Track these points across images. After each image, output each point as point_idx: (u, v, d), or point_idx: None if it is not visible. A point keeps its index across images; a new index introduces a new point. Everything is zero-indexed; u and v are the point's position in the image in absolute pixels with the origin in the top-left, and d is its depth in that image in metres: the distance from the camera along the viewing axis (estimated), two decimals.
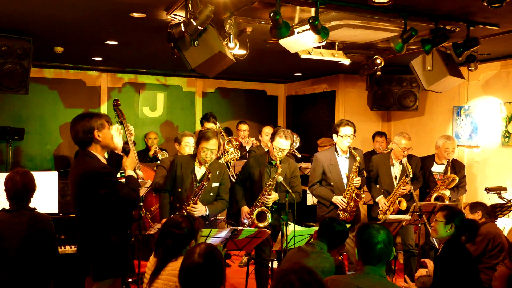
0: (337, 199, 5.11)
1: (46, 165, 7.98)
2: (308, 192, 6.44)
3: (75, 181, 3.36)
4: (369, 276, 2.64)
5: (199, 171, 4.46)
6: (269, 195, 4.71)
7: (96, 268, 3.29)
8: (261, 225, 4.65)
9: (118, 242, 3.36)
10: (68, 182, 3.48)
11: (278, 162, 4.71)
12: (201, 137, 4.41)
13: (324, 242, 3.37)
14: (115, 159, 3.63)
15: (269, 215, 4.68)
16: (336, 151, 5.23)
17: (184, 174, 4.43)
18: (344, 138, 5.11)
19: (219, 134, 6.77)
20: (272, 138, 4.84)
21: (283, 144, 4.75)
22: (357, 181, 5.07)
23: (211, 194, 4.46)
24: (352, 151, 5.11)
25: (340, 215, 5.10)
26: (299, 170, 5.54)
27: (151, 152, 7.47)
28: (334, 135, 5.23)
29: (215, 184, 4.48)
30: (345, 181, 5.16)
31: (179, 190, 4.41)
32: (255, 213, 4.72)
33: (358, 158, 5.05)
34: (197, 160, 4.48)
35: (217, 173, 4.49)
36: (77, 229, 3.43)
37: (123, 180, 3.53)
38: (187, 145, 5.35)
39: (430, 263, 3.85)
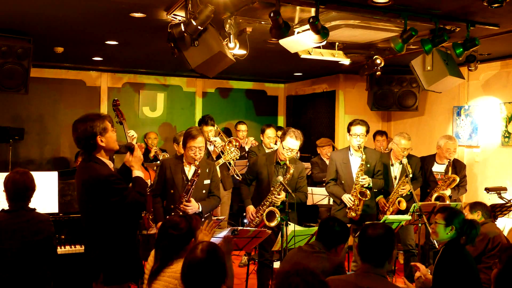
0: (345, 197, 5.15)
1: (46, 165, 7.98)
2: (308, 192, 6.45)
3: (82, 187, 3.29)
4: (370, 275, 2.65)
5: (189, 171, 4.45)
6: (279, 194, 4.72)
7: (107, 273, 3.25)
8: (272, 224, 4.66)
9: (128, 246, 3.34)
10: (75, 185, 3.42)
11: (288, 163, 4.73)
12: (187, 136, 4.38)
13: (323, 242, 3.37)
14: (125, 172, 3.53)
15: (278, 215, 4.70)
16: (350, 150, 5.28)
17: (174, 175, 4.40)
18: (354, 136, 5.15)
19: (217, 135, 6.81)
20: (282, 138, 4.85)
21: (293, 144, 4.76)
22: (363, 179, 5.07)
23: (203, 191, 4.45)
24: (361, 151, 5.11)
25: (348, 213, 5.12)
26: None
27: (151, 154, 7.48)
28: (347, 134, 5.30)
29: (206, 181, 4.48)
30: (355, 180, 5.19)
31: (172, 191, 4.39)
32: (265, 213, 4.72)
33: (363, 157, 5.06)
34: (185, 160, 4.47)
35: (207, 170, 4.48)
36: (85, 233, 3.39)
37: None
38: None
39: (422, 266, 3.83)
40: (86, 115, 3.34)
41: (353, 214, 5.10)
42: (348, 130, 5.25)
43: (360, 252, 2.74)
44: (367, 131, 5.21)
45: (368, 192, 5.09)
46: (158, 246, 2.92)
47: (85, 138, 3.23)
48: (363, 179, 5.08)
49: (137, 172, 3.40)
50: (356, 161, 5.22)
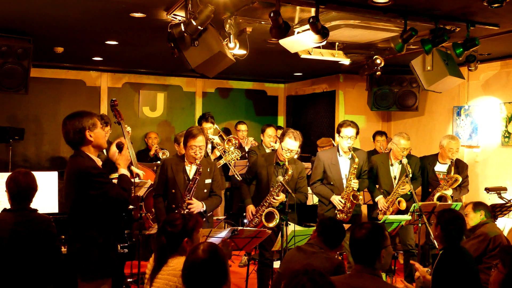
0: (335, 199, 5.11)
1: (45, 165, 7.98)
2: (309, 192, 6.45)
3: (66, 180, 3.36)
4: (363, 275, 2.65)
5: (191, 170, 4.45)
6: (277, 196, 4.70)
7: (83, 268, 3.27)
8: (270, 225, 4.66)
9: (104, 243, 3.33)
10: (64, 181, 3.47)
11: (286, 164, 4.72)
12: (187, 136, 4.38)
13: (324, 242, 3.36)
14: (109, 165, 3.60)
15: (277, 216, 4.69)
16: (338, 151, 5.24)
17: (176, 175, 4.41)
18: (344, 139, 5.11)
19: (217, 134, 6.82)
20: (281, 139, 4.84)
21: (292, 144, 4.75)
22: (354, 182, 5.05)
23: (205, 191, 4.46)
24: (352, 153, 5.09)
25: (338, 215, 5.10)
26: None
27: (152, 152, 7.49)
28: (336, 135, 5.27)
29: (208, 181, 4.48)
30: (344, 181, 5.15)
31: (173, 191, 4.39)
32: (263, 214, 4.72)
33: (356, 160, 5.05)
34: (186, 160, 4.46)
35: (208, 170, 4.48)
36: (67, 227, 3.42)
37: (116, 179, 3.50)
38: None
39: (420, 267, 3.83)
40: (74, 112, 3.39)
41: (344, 216, 5.09)
42: (338, 132, 5.20)
43: (351, 253, 2.76)
44: (357, 133, 5.19)
45: (360, 196, 5.08)
46: (156, 244, 2.94)
47: (73, 131, 3.27)
48: (355, 183, 5.06)
49: (123, 170, 3.46)
50: (345, 162, 5.20)
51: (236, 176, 6.45)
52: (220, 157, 6.24)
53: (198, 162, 4.32)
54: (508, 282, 2.53)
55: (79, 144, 3.31)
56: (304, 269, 1.94)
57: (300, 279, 1.89)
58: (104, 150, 5.42)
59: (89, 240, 3.28)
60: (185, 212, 4.22)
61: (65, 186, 3.39)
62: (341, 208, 5.09)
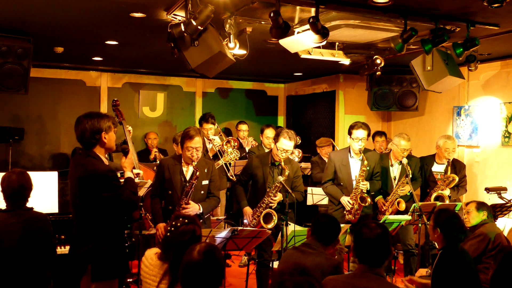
0: (344, 200, 5.14)
1: (45, 165, 7.98)
2: (308, 192, 6.45)
3: (77, 181, 3.31)
4: (367, 275, 2.64)
5: (187, 171, 4.42)
6: (275, 196, 4.70)
7: (95, 268, 3.28)
8: (269, 226, 4.64)
9: (117, 243, 3.37)
10: (68, 180, 3.46)
11: (282, 164, 4.71)
12: (184, 137, 4.34)
13: (318, 239, 3.34)
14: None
15: (275, 217, 4.68)
16: (350, 152, 5.26)
17: (173, 176, 4.38)
18: (355, 140, 5.12)
19: (218, 134, 6.81)
20: (276, 139, 4.83)
21: (287, 145, 4.75)
22: (363, 184, 5.06)
23: (202, 192, 4.42)
24: (362, 155, 5.08)
25: (346, 216, 5.11)
26: None
27: (152, 156, 7.46)
28: (348, 137, 5.27)
29: (205, 182, 4.44)
30: (354, 182, 5.16)
31: (170, 192, 4.36)
32: (262, 215, 4.71)
33: (365, 162, 5.05)
34: (183, 161, 4.44)
35: (205, 170, 4.44)
36: (75, 227, 3.41)
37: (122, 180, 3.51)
38: None
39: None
40: (92, 112, 3.42)
41: (352, 218, 5.09)
42: (350, 133, 5.21)
43: (356, 253, 2.73)
44: (369, 134, 5.20)
45: (369, 199, 5.07)
46: (175, 260, 2.85)
47: (91, 132, 3.30)
48: (363, 184, 5.06)
49: (128, 173, 3.52)
50: (355, 163, 5.20)
51: (229, 177, 6.38)
52: (216, 156, 6.22)
53: (195, 164, 4.30)
54: (496, 276, 2.54)
55: (93, 145, 3.34)
56: (287, 268, 1.95)
57: (283, 278, 1.90)
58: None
59: (101, 240, 3.29)
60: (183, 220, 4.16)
61: (74, 186, 3.35)
62: (349, 209, 5.10)
